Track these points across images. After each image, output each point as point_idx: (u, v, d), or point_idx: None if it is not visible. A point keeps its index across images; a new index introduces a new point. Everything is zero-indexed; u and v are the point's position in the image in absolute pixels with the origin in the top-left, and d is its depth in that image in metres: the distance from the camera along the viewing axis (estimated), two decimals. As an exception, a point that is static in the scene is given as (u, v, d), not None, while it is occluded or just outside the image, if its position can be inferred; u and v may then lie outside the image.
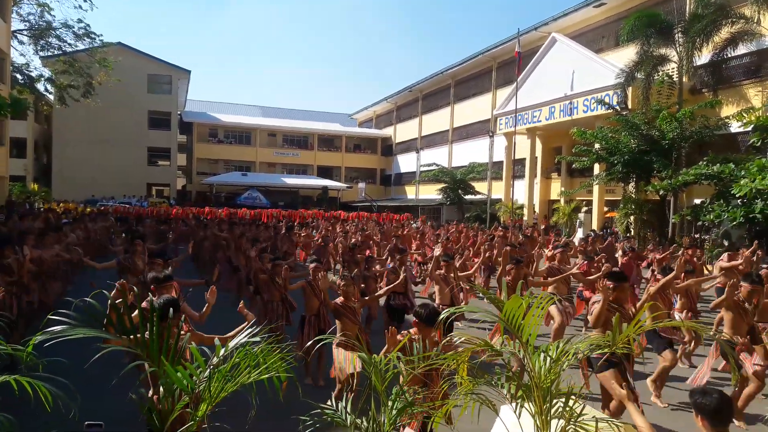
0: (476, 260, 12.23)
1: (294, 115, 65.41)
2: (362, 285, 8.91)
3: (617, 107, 24.30)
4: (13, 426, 2.78)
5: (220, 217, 30.24)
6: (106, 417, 3.35)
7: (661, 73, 23.15)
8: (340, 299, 6.44)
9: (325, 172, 56.06)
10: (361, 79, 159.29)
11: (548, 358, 2.99)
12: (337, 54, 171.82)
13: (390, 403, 3.08)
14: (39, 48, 31.51)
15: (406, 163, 54.13)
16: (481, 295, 11.56)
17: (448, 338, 3.66)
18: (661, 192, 21.82)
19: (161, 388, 2.94)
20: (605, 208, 27.96)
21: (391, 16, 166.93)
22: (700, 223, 20.93)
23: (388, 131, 59.17)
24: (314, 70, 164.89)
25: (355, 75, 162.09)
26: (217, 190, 48.22)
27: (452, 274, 9.07)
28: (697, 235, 21.38)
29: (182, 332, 4.29)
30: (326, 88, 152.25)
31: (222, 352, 2.96)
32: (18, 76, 31.13)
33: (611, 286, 5.60)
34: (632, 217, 23.98)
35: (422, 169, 44.73)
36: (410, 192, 51.66)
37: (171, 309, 4.04)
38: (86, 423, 3.14)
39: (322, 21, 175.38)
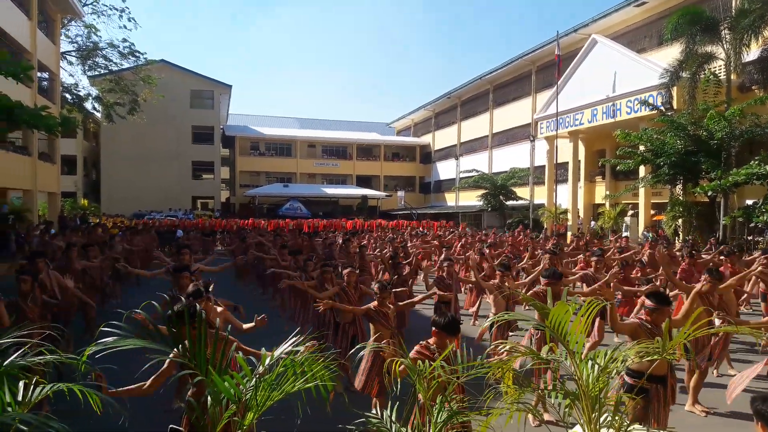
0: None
1: (332, 126, 66.00)
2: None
3: (662, 108, 23.70)
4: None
5: (263, 227, 30.85)
6: (151, 424, 3.42)
7: (707, 71, 22.50)
8: (373, 303, 6.51)
9: (364, 181, 56.29)
10: (399, 87, 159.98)
11: (596, 366, 2.92)
12: (374, 63, 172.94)
13: (435, 413, 3.05)
14: (87, 68, 32.64)
15: (445, 170, 53.93)
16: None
17: (494, 345, 3.61)
18: (710, 193, 21.11)
19: (209, 397, 2.99)
20: (652, 211, 27.27)
21: (427, 24, 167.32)
22: (752, 224, 20.23)
23: (426, 139, 59.08)
24: (351, 80, 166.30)
25: (392, 83, 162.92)
26: (259, 201, 48.87)
27: (507, 284, 8.69)
28: (750, 237, 20.65)
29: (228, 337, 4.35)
30: (364, 97, 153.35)
31: (267, 361, 2.98)
32: (67, 95, 32.28)
33: (652, 306, 5.11)
34: (680, 220, 23.31)
35: (462, 175, 44.42)
36: (450, 199, 51.40)
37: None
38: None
39: (357, 31, 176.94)
